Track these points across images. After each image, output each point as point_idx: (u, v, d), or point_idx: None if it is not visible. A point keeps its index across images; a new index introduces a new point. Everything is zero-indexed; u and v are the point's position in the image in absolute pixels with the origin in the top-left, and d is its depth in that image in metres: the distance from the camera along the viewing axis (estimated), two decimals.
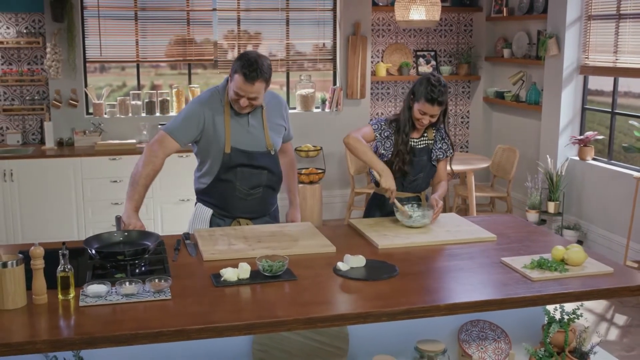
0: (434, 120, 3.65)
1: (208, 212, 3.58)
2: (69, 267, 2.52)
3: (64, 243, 2.61)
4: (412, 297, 2.61)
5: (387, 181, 3.56)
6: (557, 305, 2.84)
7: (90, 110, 7.20)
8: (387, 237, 3.31)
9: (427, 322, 2.83)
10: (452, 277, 2.86)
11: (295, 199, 3.91)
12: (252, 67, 3.27)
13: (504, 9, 7.67)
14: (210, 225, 3.56)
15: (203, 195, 3.61)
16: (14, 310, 2.43)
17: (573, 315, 2.84)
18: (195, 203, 3.69)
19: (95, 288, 2.54)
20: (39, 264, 2.48)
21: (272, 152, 3.55)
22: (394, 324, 2.71)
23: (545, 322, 2.89)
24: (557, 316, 2.87)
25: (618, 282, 2.79)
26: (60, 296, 2.52)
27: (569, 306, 2.88)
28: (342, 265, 2.86)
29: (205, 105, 3.45)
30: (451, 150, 3.84)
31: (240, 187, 3.49)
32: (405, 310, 2.51)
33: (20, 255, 2.50)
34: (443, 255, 3.13)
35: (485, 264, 2.99)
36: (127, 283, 2.59)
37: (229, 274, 2.72)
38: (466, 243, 3.29)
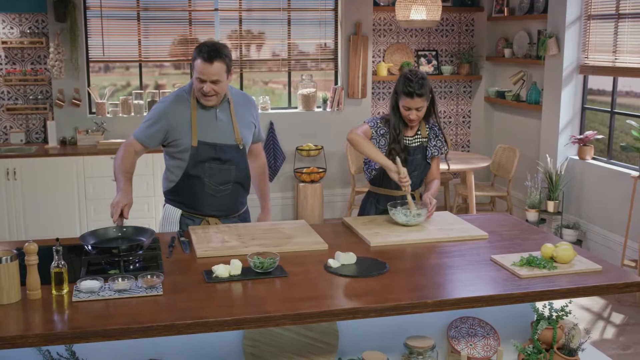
0: (420, 113, 3.68)
1: (177, 212, 3.61)
2: (62, 263, 2.57)
3: (57, 239, 2.66)
4: (400, 294, 2.64)
5: (402, 168, 3.58)
6: (546, 302, 2.87)
7: (93, 110, 7.26)
8: (379, 235, 3.35)
9: (417, 319, 2.86)
10: (442, 274, 2.89)
11: (267, 204, 3.93)
12: (209, 48, 3.37)
13: (505, 8, 7.70)
14: (180, 226, 3.58)
15: (172, 195, 3.64)
16: (8, 305, 2.47)
17: (561, 312, 2.87)
18: (164, 205, 3.71)
19: (89, 284, 2.59)
20: (32, 259, 2.52)
21: (241, 147, 3.58)
22: (384, 320, 2.74)
23: (534, 319, 2.92)
24: (546, 313, 2.90)
25: (606, 280, 2.82)
26: (54, 291, 2.57)
27: (558, 303, 2.91)
28: (332, 262, 2.90)
29: (170, 104, 3.53)
30: (446, 147, 3.88)
31: (209, 182, 3.53)
32: (393, 306, 2.54)
33: (15, 251, 2.54)
34: (434, 253, 3.16)
35: (475, 261, 3.02)
36: (120, 279, 2.63)
37: (221, 270, 2.76)
38: (458, 241, 3.32)
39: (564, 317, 2.87)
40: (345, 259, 2.92)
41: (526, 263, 2.90)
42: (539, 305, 2.91)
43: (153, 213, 6.73)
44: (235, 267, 2.79)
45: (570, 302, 2.88)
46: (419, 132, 3.82)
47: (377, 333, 2.89)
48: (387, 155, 3.73)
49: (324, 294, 2.67)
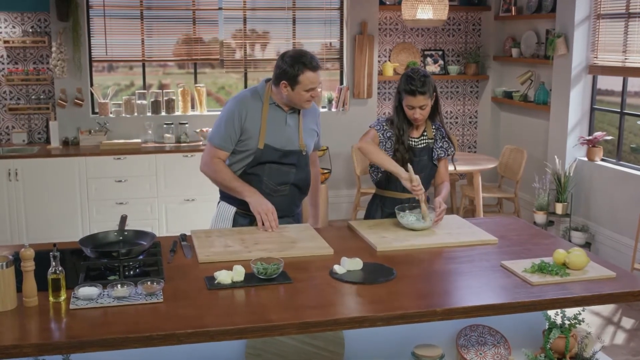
0: (425, 112, 3.60)
1: (231, 209, 3.59)
2: (59, 269, 2.49)
3: (54, 244, 2.58)
4: (408, 302, 2.56)
5: (414, 175, 3.48)
6: (558, 310, 2.78)
7: (96, 110, 7.18)
8: (386, 240, 3.26)
9: (425, 327, 2.78)
10: (450, 281, 2.80)
11: (318, 212, 3.93)
12: (308, 57, 3.40)
13: (513, 8, 7.60)
14: (234, 224, 3.57)
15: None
16: (4, 312, 2.40)
17: (574, 321, 2.78)
18: (218, 202, 3.70)
19: (87, 290, 2.51)
20: (29, 266, 2.44)
21: (304, 153, 3.59)
22: (391, 328, 2.65)
23: (546, 327, 2.83)
24: (558, 321, 2.81)
25: (620, 287, 2.73)
26: (51, 298, 2.50)
27: (571, 311, 2.82)
28: (338, 269, 2.82)
29: (244, 103, 3.51)
30: (452, 149, 3.80)
31: (267, 182, 3.52)
32: (400, 315, 2.46)
33: (11, 257, 2.46)
34: (442, 258, 3.08)
35: (485, 267, 2.93)
36: (119, 285, 2.55)
37: (223, 276, 2.68)
38: (466, 246, 3.23)
39: (577, 325, 2.79)
40: (351, 264, 2.84)
41: (538, 269, 2.81)
42: (551, 313, 2.82)
43: (156, 214, 6.65)
44: (238, 273, 2.71)
45: (583, 310, 2.79)
46: (425, 133, 3.74)
47: (384, 341, 2.81)
48: (392, 156, 3.65)
49: (330, 301, 2.59)
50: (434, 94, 3.61)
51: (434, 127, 3.76)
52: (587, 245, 6.35)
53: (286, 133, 3.53)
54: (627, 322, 5.05)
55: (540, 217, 6.56)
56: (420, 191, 3.46)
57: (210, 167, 3.55)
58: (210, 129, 3.64)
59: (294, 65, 3.38)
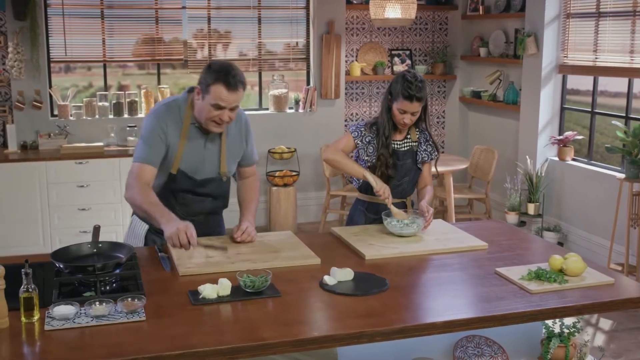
0: (415, 118, 3.49)
1: (144, 227, 3.29)
2: (32, 287, 2.31)
3: (26, 260, 2.38)
4: (405, 314, 2.44)
5: (380, 183, 3.40)
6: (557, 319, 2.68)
7: (55, 112, 6.91)
8: (373, 247, 3.13)
9: (421, 339, 2.63)
10: (446, 290, 2.68)
11: (249, 215, 3.36)
12: (231, 74, 3.02)
13: (480, 7, 7.55)
14: (146, 242, 3.28)
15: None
16: None
17: (573, 329, 2.69)
18: (132, 214, 3.38)
19: (63, 309, 2.33)
20: None
21: (224, 179, 3.28)
22: (386, 341, 2.53)
23: (544, 336, 2.74)
24: (557, 330, 2.72)
25: (620, 294, 2.64)
26: (23, 319, 2.31)
27: (569, 319, 2.73)
28: (328, 279, 2.68)
29: (163, 119, 3.15)
30: (436, 152, 3.70)
31: (179, 212, 3.17)
32: (400, 329, 2.33)
33: None
34: (433, 266, 2.96)
35: (479, 275, 2.82)
36: (97, 303, 2.37)
37: (208, 290, 2.52)
38: (456, 252, 3.12)
39: (576, 334, 2.70)
40: (341, 275, 2.70)
41: (535, 277, 2.71)
42: (549, 321, 2.73)
43: (120, 220, 6.41)
44: (224, 286, 2.55)
45: (582, 318, 2.70)
46: (408, 136, 3.62)
47: (379, 355, 2.69)
48: (376, 161, 3.53)
49: (323, 315, 2.45)
50: (425, 100, 3.49)
51: (417, 130, 3.64)
52: (559, 245, 6.31)
53: (204, 159, 3.21)
54: (605, 324, 5.00)
55: (512, 217, 6.51)
56: (384, 196, 3.40)
57: (133, 189, 3.09)
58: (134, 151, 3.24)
59: (212, 74, 3.03)
